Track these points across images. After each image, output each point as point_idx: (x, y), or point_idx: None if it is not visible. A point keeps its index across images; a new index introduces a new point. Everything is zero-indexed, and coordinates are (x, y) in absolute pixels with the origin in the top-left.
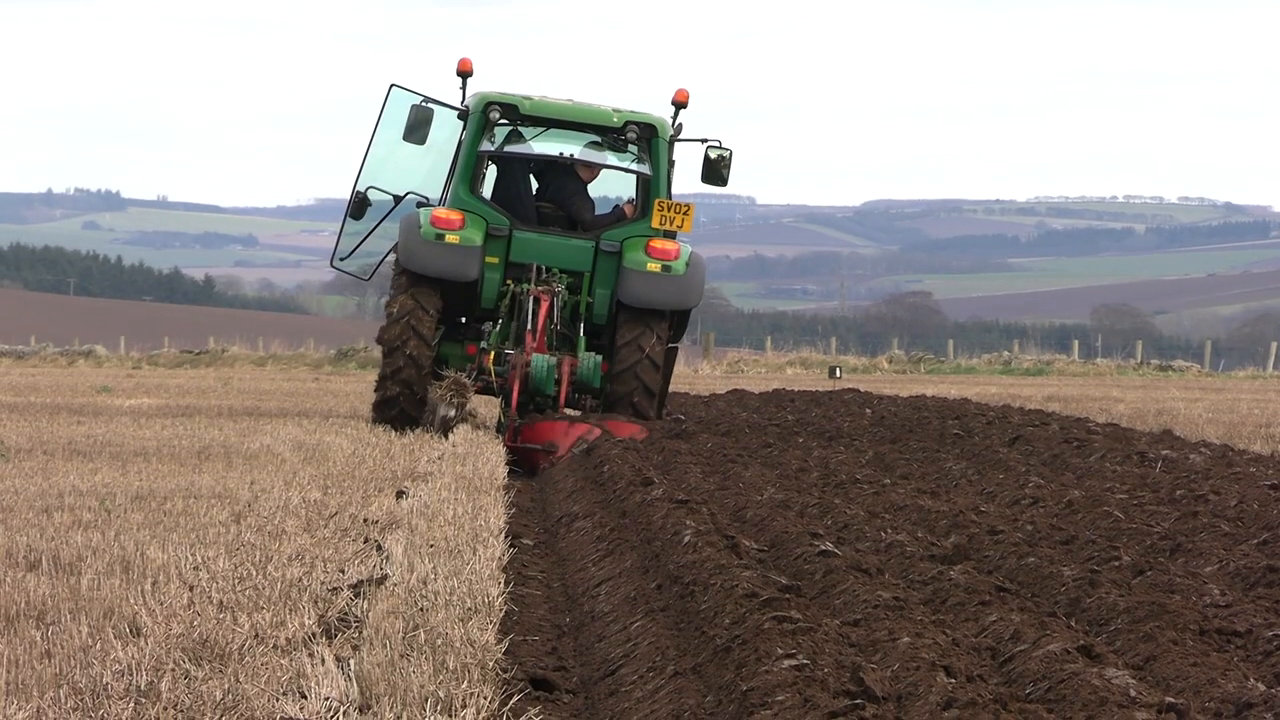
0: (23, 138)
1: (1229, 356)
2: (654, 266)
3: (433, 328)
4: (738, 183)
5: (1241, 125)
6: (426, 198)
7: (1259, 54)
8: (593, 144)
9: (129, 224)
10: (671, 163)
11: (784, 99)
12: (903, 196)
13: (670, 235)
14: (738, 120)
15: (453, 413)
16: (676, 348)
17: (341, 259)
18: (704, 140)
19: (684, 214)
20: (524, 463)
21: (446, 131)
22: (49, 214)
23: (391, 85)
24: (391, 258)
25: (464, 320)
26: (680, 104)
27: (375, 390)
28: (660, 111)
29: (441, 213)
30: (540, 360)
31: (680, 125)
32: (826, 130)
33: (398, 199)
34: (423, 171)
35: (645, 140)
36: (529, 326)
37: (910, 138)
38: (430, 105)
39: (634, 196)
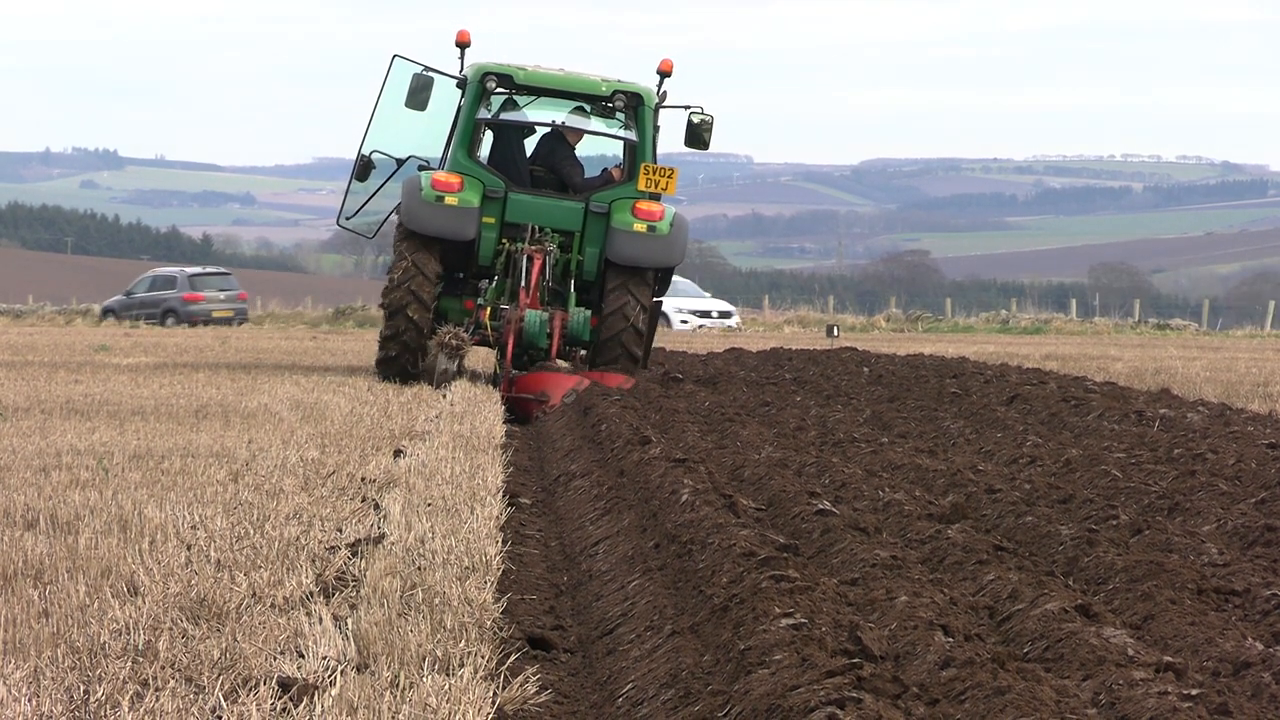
0: (20, 96)
1: (1226, 315)
2: (640, 227)
3: (432, 290)
4: (735, 141)
5: (1240, 84)
6: (427, 161)
7: (1258, 12)
8: (577, 110)
9: (127, 183)
10: (656, 128)
11: (781, 57)
12: (900, 155)
13: (655, 197)
14: (735, 79)
15: (451, 365)
16: (660, 302)
17: (347, 218)
18: (687, 106)
19: (668, 177)
20: (518, 412)
21: (446, 99)
22: (46, 173)
23: (394, 56)
24: (394, 218)
25: (462, 276)
26: (665, 73)
27: (378, 349)
28: (647, 80)
29: (441, 176)
30: (533, 316)
31: (665, 93)
32: (824, 89)
33: (400, 162)
34: (423, 136)
35: (632, 108)
36: (523, 284)
37: (908, 96)
38: (430, 74)
39: (621, 161)
